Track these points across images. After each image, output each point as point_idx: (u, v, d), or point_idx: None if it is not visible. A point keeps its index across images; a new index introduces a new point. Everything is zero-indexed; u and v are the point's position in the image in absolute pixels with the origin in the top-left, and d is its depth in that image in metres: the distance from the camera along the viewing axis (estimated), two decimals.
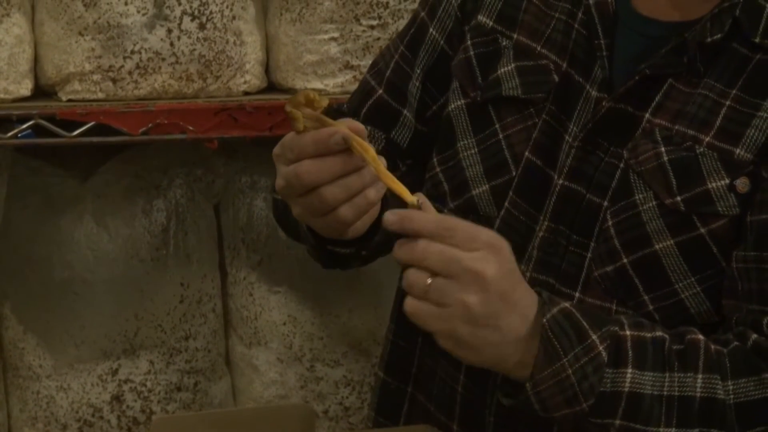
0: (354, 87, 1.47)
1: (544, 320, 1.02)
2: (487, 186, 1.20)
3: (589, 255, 1.14)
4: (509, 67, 1.21)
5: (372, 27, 1.63)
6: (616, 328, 1.06)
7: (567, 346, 1.03)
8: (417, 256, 0.98)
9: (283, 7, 1.66)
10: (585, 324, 1.04)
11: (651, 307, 1.13)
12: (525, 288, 1.02)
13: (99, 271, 1.65)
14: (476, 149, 1.21)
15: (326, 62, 1.64)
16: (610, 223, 1.13)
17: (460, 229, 0.98)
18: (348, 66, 1.64)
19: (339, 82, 1.65)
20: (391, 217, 0.99)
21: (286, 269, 1.72)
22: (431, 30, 1.28)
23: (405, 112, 1.30)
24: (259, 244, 1.73)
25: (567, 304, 1.05)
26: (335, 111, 1.36)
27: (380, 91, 1.32)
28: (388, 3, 1.63)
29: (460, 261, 0.97)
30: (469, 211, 1.20)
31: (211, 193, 1.74)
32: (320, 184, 1.05)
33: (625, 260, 1.13)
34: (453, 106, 1.25)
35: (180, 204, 1.69)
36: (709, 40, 1.12)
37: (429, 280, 0.98)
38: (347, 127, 1.03)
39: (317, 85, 1.65)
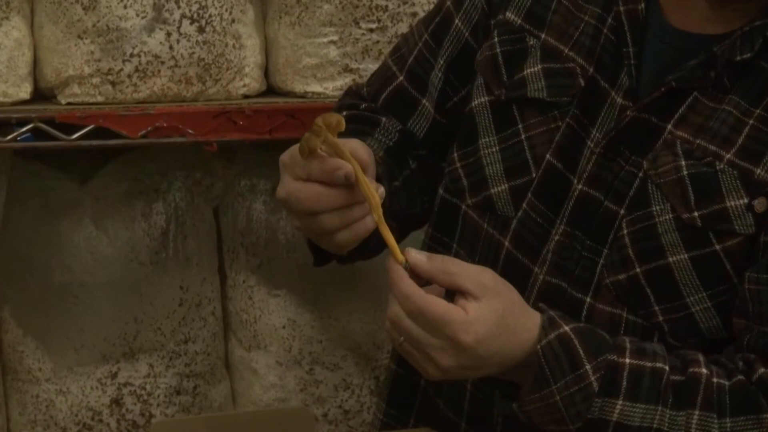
0: None
1: (539, 347, 1.05)
2: (506, 185, 1.20)
3: (601, 261, 1.15)
4: (536, 68, 1.21)
5: (371, 30, 1.63)
6: (615, 356, 1.07)
7: (558, 374, 1.05)
8: (390, 314, 1.04)
9: (282, 10, 1.66)
10: (581, 351, 1.05)
11: (661, 318, 1.14)
12: (507, 349, 1.04)
13: (98, 274, 1.65)
14: (497, 148, 1.22)
15: (325, 65, 1.64)
16: (625, 231, 1.14)
17: (429, 314, 1.01)
18: (347, 69, 1.65)
19: (338, 86, 1.64)
20: (389, 265, 1.04)
21: (286, 272, 1.72)
22: (456, 21, 1.29)
23: (424, 101, 1.31)
24: (258, 247, 1.72)
25: (568, 328, 1.06)
26: (354, 94, 1.37)
27: (401, 78, 1.33)
28: (387, 6, 1.62)
29: (420, 344, 1.02)
30: (487, 209, 1.21)
31: (210, 196, 1.73)
32: (320, 213, 1.08)
33: (637, 269, 1.13)
34: (476, 102, 1.25)
35: (179, 207, 1.69)
36: (738, 58, 1.12)
37: (401, 339, 1.04)
38: (356, 155, 1.06)
39: (316, 88, 1.65)
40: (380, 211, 1.05)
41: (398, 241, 1.08)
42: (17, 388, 1.70)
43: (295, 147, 1.08)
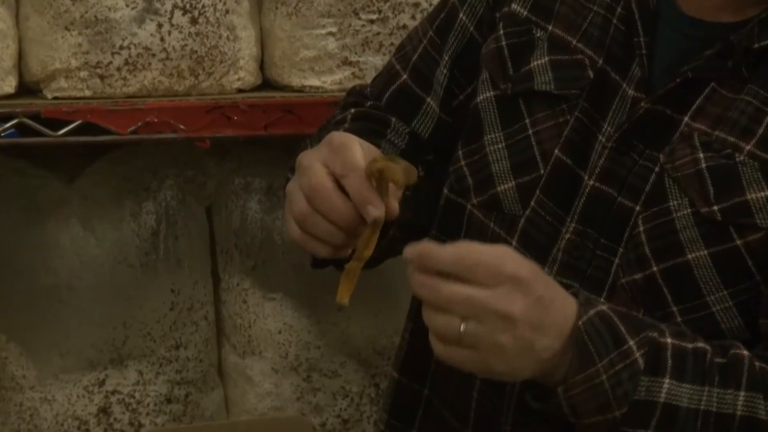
0: (353, 84, 1.48)
1: (580, 323, 1.03)
2: (513, 183, 1.20)
3: (616, 261, 1.14)
4: (543, 60, 1.21)
5: (372, 21, 1.63)
6: (656, 334, 1.06)
7: (602, 351, 1.03)
8: (442, 301, 1.00)
9: (278, 0, 1.66)
10: (622, 328, 1.05)
11: (679, 319, 1.12)
12: (558, 306, 1.03)
13: (85, 277, 1.65)
14: (504, 144, 1.21)
15: (324, 58, 1.64)
16: (641, 228, 1.13)
17: (482, 264, 1.00)
18: (347, 62, 1.64)
19: (337, 79, 1.64)
20: (409, 251, 1.00)
21: (282, 275, 1.72)
22: (461, 15, 1.29)
23: (428, 100, 1.30)
24: (253, 248, 1.73)
25: (605, 307, 1.05)
26: (357, 94, 1.36)
27: (404, 77, 1.32)
28: None
29: (486, 304, 0.99)
30: (493, 208, 1.21)
31: (202, 195, 1.74)
32: (325, 218, 1.09)
33: (654, 268, 1.12)
34: (481, 97, 1.25)
35: (170, 206, 1.69)
36: (756, 45, 1.12)
37: (462, 327, 1.00)
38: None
39: (314, 82, 1.65)
40: (363, 261, 1.07)
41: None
42: (0, 396, 1.70)
43: (350, 136, 1.09)
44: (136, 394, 1.69)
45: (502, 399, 1.19)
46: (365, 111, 1.32)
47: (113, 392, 1.68)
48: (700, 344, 1.07)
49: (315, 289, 1.71)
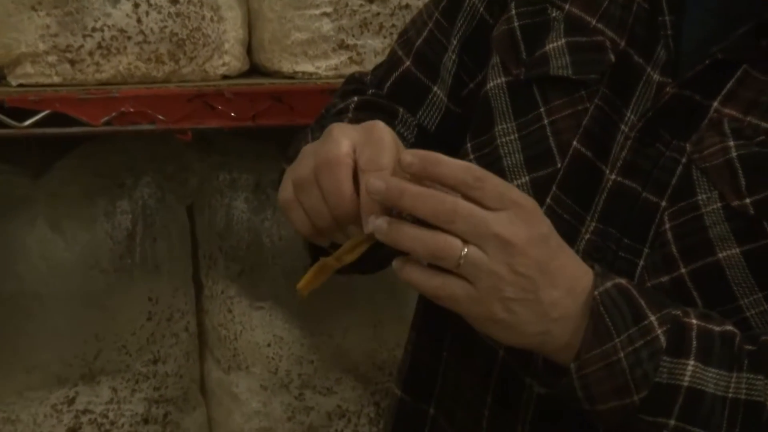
0: (350, 70, 1.49)
1: (596, 293, 1.01)
2: (527, 178, 1.16)
3: (641, 262, 1.10)
4: (559, 43, 1.18)
5: (371, 1, 1.63)
6: (679, 313, 1.04)
7: (620, 325, 1.01)
8: (444, 214, 0.98)
9: None
10: (643, 302, 1.03)
11: None
12: (568, 256, 1.02)
13: (53, 283, 1.65)
14: (516, 135, 1.18)
15: (318, 41, 1.63)
16: (667, 226, 1.09)
17: (489, 180, 0.99)
18: (343, 45, 1.63)
19: (332, 65, 1.63)
20: (409, 157, 0.99)
21: (271, 281, 1.72)
22: None
23: (435, 89, 1.28)
24: (239, 252, 1.73)
25: (624, 280, 1.04)
26: (357, 81, 1.35)
27: (408, 63, 1.30)
28: None
29: (488, 225, 0.98)
30: None
31: (183, 192, 1.73)
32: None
33: (682, 270, 1.08)
34: (492, 84, 1.21)
35: (148, 206, 1.69)
36: None
37: (464, 250, 0.97)
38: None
39: (307, 67, 1.63)
40: (341, 264, 1.05)
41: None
42: None
43: (393, 134, 1.06)
44: (110, 414, 1.69)
45: (515, 420, 1.15)
46: (370, 99, 1.30)
47: (84, 411, 1.68)
48: (728, 327, 1.05)
49: (308, 298, 1.64)
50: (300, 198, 1.07)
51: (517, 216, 0.98)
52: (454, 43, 1.27)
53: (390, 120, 1.26)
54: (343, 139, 1.06)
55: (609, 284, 1.02)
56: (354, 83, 1.35)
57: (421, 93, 1.29)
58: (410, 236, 0.99)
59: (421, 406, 1.24)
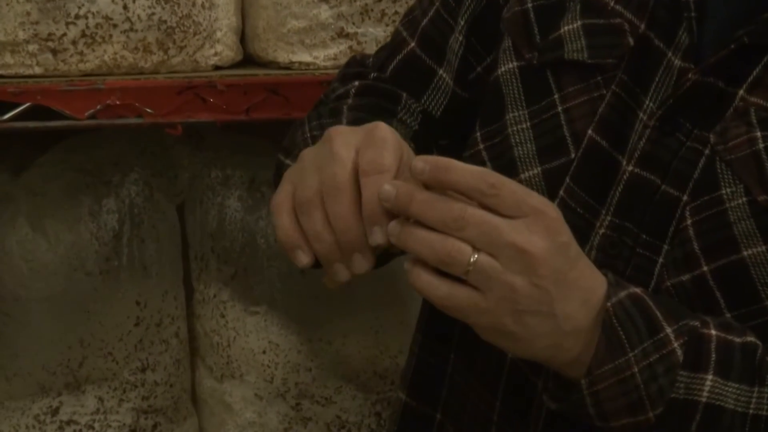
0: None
1: (609, 304, 1.00)
2: (539, 169, 1.15)
3: (660, 260, 1.09)
4: (575, 25, 1.17)
5: None
6: (697, 324, 1.03)
7: (634, 339, 1.01)
8: (453, 221, 0.97)
9: None
10: (658, 313, 1.02)
11: None
12: (585, 266, 1.01)
13: (35, 286, 1.63)
14: (528, 123, 1.17)
15: (315, 29, 1.61)
16: (689, 222, 1.08)
17: (507, 187, 0.98)
18: (342, 34, 1.61)
19: (331, 54, 1.62)
20: (420, 164, 0.98)
21: (266, 285, 1.70)
22: None
23: (440, 72, 1.27)
24: (232, 253, 1.71)
25: (638, 290, 1.03)
26: (358, 64, 1.34)
27: (412, 44, 1.29)
28: None
29: (503, 232, 0.97)
30: None
31: (173, 190, 1.72)
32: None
33: (704, 268, 1.07)
34: (503, 69, 1.20)
35: (135, 204, 1.68)
36: None
37: (474, 257, 0.96)
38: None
39: (304, 57, 1.61)
40: None
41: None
42: None
43: (396, 134, 1.05)
44: (96, 425, 1.67)
45: (526, 426, 1.15)
46: (371, 84, 1.30)
47: (68, 422, 1.66)
48: (750, 338, 1.05)
49: (305, 302, 1.69)
50: (301, 220, 1.06)
51: (536, 224, 0.98)
52: (461, 23, 1.26)
53: (392, 106, 1.27)
54: (344, 150, 1.05)
55: (623, 294, 1.02)
56: (355, 66, 1.35)
57: (425, 76, 1.28)
58: (419, 239, 0.98)
59: (427, 410, 1.24)
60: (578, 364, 1.01)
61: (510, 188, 0.99)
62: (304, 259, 1.05)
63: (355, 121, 1.17)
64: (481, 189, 0.98)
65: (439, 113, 1.28)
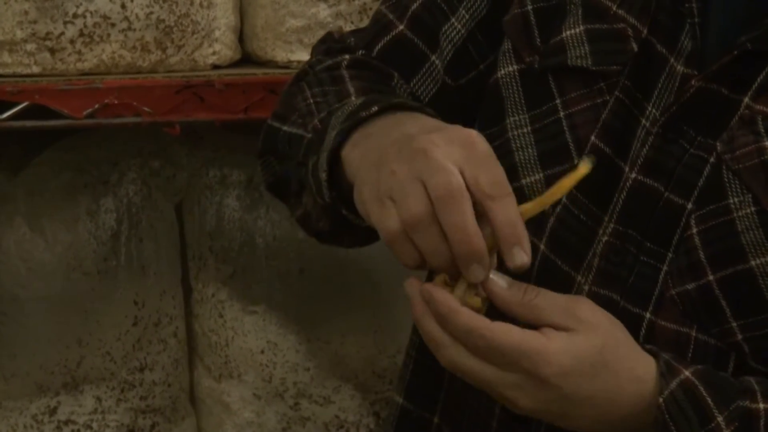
0: None
1: (661, 399, 1.01)
2: (541, 175, 1.13)
3: (665, 268, 1.08)
4: (577, 30, 1.15)
5: None
6: (747, 402, 1.03)
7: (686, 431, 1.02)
8: (451, 366, 1.01)
9: None
10: (710, 400, 1.02)
11: (740, 337, 1.07)
12: (603, 386, 1.02)
13: (33, 286, 1.64)
14: (530, 128, 1.16)
15: (314, 28, 1.61)
16: (694, 230, 1.07)
17: (504, 348, 0.99)
18: None
19: None
20: (423, 293, 1.01)
21: (265, 284, 1.71)
22: None
23: (433, 58, 1.24)
24: (231, 253, 1.71)
25: (689, 373, 1.03)
26: (333, 40, 1.31)
27: (401, 27, 1.25)
28: None
29: (491, 384, 1.00)
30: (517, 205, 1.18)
31: (171, 190, 1.72)
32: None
33: (710, 277, 1.06)
34: (503, 72, 1.19)
35: (133, 204, 1.68)
36: None
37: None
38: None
39: (303, 56, 1.59)
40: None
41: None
42: None
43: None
44: (94, 425, 1.67)
45: (527, 430, 1.15)
46: (362, 59, 1.26)
47: (66, 422, 1.67)
48: None
49: (304, 301, 1.69)
50: (415, 238, 1.03)
51: (526, 382, 0.99)
52: (465, 16, 1.24)
53: (387, 82, 1.25)
54: (446, 162, 1.01)
55: (674, 384, 1.01)
56: (332, 42, 1.32)
57: (417, 60, 1.26)
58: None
59: (424, 414, 1.23)
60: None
61: (510, 348, 0.99)
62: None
63: (362, 90, 1.16)
64: (474, 343, 0.99)
65: (426, 99, 1.25)
